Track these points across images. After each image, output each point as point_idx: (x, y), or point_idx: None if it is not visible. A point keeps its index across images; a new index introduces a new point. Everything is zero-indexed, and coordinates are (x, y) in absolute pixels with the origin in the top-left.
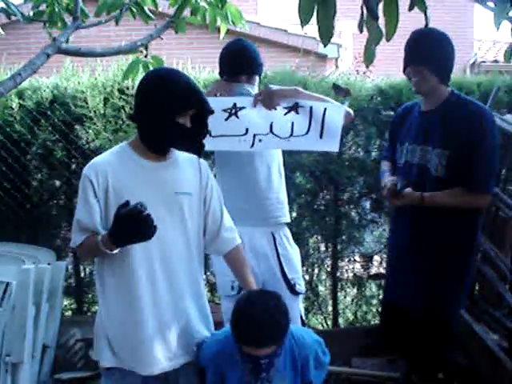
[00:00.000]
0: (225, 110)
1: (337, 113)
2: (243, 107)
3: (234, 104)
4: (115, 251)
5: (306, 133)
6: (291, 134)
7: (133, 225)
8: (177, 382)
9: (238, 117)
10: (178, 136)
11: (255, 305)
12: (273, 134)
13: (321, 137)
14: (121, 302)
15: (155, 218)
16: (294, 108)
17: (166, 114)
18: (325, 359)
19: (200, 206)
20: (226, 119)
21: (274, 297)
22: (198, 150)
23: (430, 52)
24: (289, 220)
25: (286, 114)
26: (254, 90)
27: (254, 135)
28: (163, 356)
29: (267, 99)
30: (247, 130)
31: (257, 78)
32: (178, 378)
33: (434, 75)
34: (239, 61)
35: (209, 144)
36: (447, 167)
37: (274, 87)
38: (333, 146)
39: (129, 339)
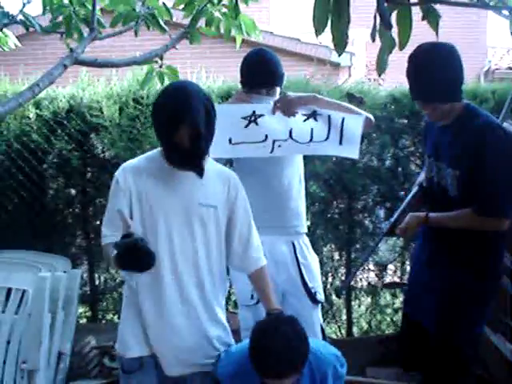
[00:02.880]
0: (244, 118)
1: (355, 123)
2: (262, 114)
3: (254, 111)
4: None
5: (326, 139)
6: (311, 140)
7: (131, 256)
8: None
9: (257, 124)
10: (175, 155)
11: (273, 336)
12: (292, 139)
13: (340, 143)
14: (151, 306)
15: (173, 227)
16: (313, 115)
17: (162, 133)
18: (342, 371)
19: (224, 220)
20: (246, 126)
21: (289, 323)
22: (195, 169)
23: (432, 85)
24: (306, 230)
25: (305, 121)
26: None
27: (274, 141)
28: (184, 360)
29: (286, 106)
30: (266, 136)
31: (278, 89)
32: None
33: (444, 102)
34: (259, 74)
35: (229, 151)
36: (458, 187)
37: (293, 94)
38: (353, 153)
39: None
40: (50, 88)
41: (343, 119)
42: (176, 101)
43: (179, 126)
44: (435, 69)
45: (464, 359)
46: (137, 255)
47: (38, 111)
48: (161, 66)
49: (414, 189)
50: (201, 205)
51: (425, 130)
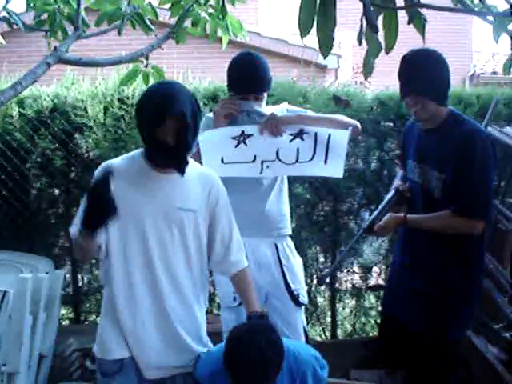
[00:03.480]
0: (233, 138)
1: (341, 138)
2: (251, 134)
3: (243, 132)
4: (94, 242)
5: (311, 159)
6: (297, 160)
7: (95, 203)
8: None
9: (246, 144)
10: (158, 151)
11: (247, 348)
12: (279, 160)
13: (325, 162)
14: (125, 307)
15: (150, 231)
16: (300, 134)
17: (146, 128)
18: (322, 374)
19: (204, 224)
20: (236, 146)
21: (265, 332)
22: (179, 167)
23: (424, 80)
24: (290, 232)
25: (291, 141)
26: (263, 106)
27: (262, 162)
28: (161, 362)
29: (273, 127)
30: (255, 156)
31: (265, 94)
32: None
33: (433, 101)
34: (248, 80)
35: (221, 170)
36: (443, 190)
37: (280, 114)
38: (337, 172)
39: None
40: (34, 86)
41: (329, 135)
42: (162, 94)
43: (165, 118)
44: (431, 67)
45: (454, 358)
46: (99, 200)
47: (21, 110)
48: (146, 66)
49: (390, 193)
50: (180, 209)
51: (405, 134)
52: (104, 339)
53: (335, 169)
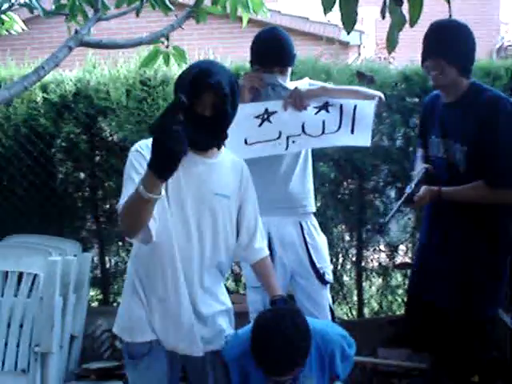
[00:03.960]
0: (257, 117)
1: (367, 109)
2: (275, 111)
3: (266, 109)
4: (159, 195)
5: (338, 129)
6: (323, 132)
7: (166, 139)
8: (202, 369)
9: (270, 121)
10: (196, 125)
11: (273, 335)
12: (305, 133)
13: (352, 132)
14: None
15: (193, 212)
16: (325, 107)
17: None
18: (350, 352)
19: (235, 211)
20: (260, 125)
21: (291, 317)
22: (217, 143)
23: (448, 43)
24: (315, 210)
25: (316, 114)
26: (287, 81)
27: (288, 137)
28: (193, 339)
29: (297, 101)
30: (280, 133)
31: (289, 69)
32: (205, 364)
33: (454, 67)
34: (273, 52)
35: (246, 152)
36: (468, 163)
37: (303, 88)
38: (364, 141)
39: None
40: (57, 71)
41: (355, 106)
42: (199, 67)
43: (203, 88)
44: (456, 33)
45: (485, 338)
46: (172, 137)
47: (44, 95)
48: (167, 47)
49: (422, 168)
50: (216, 195)
51: (424, 110)
52: (130, 321)
53: (362, 138)
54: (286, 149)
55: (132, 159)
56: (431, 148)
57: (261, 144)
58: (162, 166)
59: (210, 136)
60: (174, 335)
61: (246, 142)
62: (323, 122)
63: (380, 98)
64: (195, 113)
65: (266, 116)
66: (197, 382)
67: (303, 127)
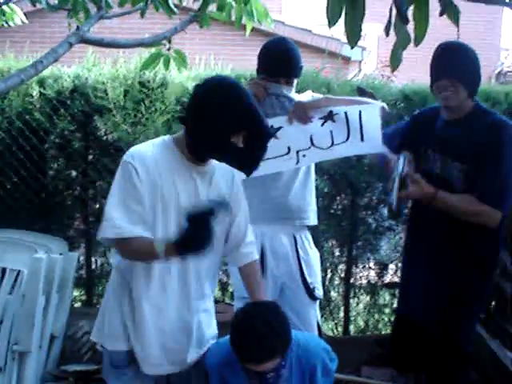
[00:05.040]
0: None
1: (373, 112)
2: (280, 127)
3: (271, 126)
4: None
5: (347, 139)
6: (332, 143)
7: (202, 229)
8: (186, 381)
9: (277, 137)
10: (229, 154)
11: (253, 319)
12: (314, 146)
13: (362, 139)
14: (136, 301)
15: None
16: (330, 117)
17: (220, 132)
18: (332, 366)
19: (225, 216)
20: None
21: (271, 308)
22: (248, 171)
23: (461, 65)
24: (315, 223)
25: (323, 125)
26: (292, 92)
27: (297, 152)
28: (173, 359)
29: (301, 113)
30: (289, 148)
31: (295, 80)
32: (190, 377)
33: (466, 89)
34: (281, 63)
35: (257, 169)
36: (466, 181)
37: (305, 100)
38: (376, 147)
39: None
40: (55, 66)
41: (360, 112)
42: (248, 100)
43: (247, 127)
44: (468, 56)
45: (465, 354)
46: (206, 230)
47: (41, 89)
48: (169, 49)
49: (401, 156)
50: (210, 201)
51: (416, 122)
52: (112, 328)
53: (373, 144)
54: (297, 163)
55: (126, 172)
56: (426, 162)
57: (271, 160)
58: (188, 251)
59: (239, 164)
60: (156, 353)
61: None
62: (331, 133)
63: (383, 108)
64: (230, 143)
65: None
66: None
67: (312, 140)
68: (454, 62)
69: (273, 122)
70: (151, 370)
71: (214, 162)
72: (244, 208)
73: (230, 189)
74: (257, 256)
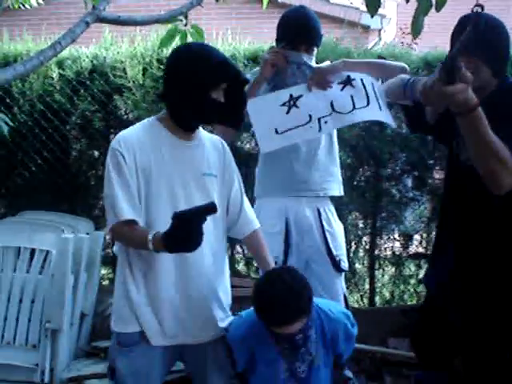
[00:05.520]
0: (283, 104)
1: (380, 89)
2: (300, 95)
3: (291, 95)
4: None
5: (367, 104)
6: (354, 107)
7: (185, 232)
8: (202, 356)
9: (297, 106)
10: (213, 111)
11: (274, 284)
12: (336, 112)
13: (380, 109)
14: (149, 277)
15: (184, 197)
16: (349, 81)
17: (200, 89)
18: (353, 331)
19: (223, 187)
20: (287, 112)
21: (290, 270)
22: (236, 124)
23: (485, 41)
24: (340, 193)
25: (342, 90)
26: (312, 61)
27: (319, 119)
28: (186, 329)
29: (320, 79)
30: (310, 116)
31: (315, 49)
32: (206, 352)
33: (489, 68)
34: (301, 30)
35: (279, 142)
36: None
37: (323, 65)
38: (390, 120)
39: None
40: (73, 47)
41: (372, 84)
42: (219, 54)
43: (224, 79)
44: (491, 29)
45: None
46: (194, 230)
47: (60, 71)
48: (185, 25)
49: None
50: (204, 175)
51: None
52: (122, 311)
53: (388, 116)
54: (320, 130)
55: (118, 164)
56: (462, 153)
57: (292, 130)
58: (176, 249)
59: (225, 119)
60: (167, 322)
61: (276, 132)
62: (351, 97)
63: (404, 69)
64: (211, 99)
65: (292, 102)
66: (197, 369)
67: (332, 106)
68: (474, 38)
69: (292, 90)
70: (163, 341)
71: (202, 135)
72: (237, 179)
73: (222, 159)
74: (258, 224)
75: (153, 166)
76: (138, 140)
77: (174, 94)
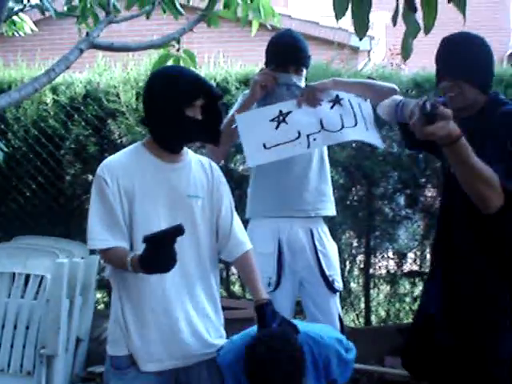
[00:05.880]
0: (272, 120)
1: (367, 108)
2: (289, 111)
3: (280, 111)
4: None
5: (355, 124)
6: (342, 126)
7: (159, 253)
8: (195, 377)
9: (286, 122)
10: (191, 129)
11: (272, 371)
12: (324, 129)
13: (367, 129)
14: (136, 301)
15: (168, 220)
16: (337, 100)
17: (174, 109)
18: (348, 356)
19: (211, 209)
20: (276, 128)
21: (285, 348)
22: (213, 140)
23: (466, 62)
24: (333, 213)
25: (331, 108)
26: (301, 82)
27: (308, 136)
28: (173, 352)
29: (311, 96)
30: (299, 132)
31: (304, 70)
32: (200, 372)
33: (475, 87)
34: (289, 51)
35: (267, 157)
36: None
37: (313, 83)
38: (377, 141)
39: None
40: (67, 73)
41: (359, 104)
42: (189, 72)
43: (197, 95)
44: (473, 50)
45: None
46: (165, 252)
47: (54, 96)
48: (178, 50)
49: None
50: (189, 197)
51: None
52: (116, 335)
53: (375, 137)
54: (308, 147)
55: (101, 191)
56: (444, 159)
57: (281, 146)
58: (151, 270)
59: (204, 136)
60: (168, 346)
61: (264, 147)
62: (340, 116)
63: (394, 89)
64: (187, 117)
65: (281, 118)
66: None
67: (322, 124)
68: (456, 61)
69: (281, 106)
70: (152, 367)
71: (189, 157)
72: (227, 198)
73: (211, 181)
74: (250, 246)
75: (136, 189)
76: (120, 164)
77: (153, 117)
